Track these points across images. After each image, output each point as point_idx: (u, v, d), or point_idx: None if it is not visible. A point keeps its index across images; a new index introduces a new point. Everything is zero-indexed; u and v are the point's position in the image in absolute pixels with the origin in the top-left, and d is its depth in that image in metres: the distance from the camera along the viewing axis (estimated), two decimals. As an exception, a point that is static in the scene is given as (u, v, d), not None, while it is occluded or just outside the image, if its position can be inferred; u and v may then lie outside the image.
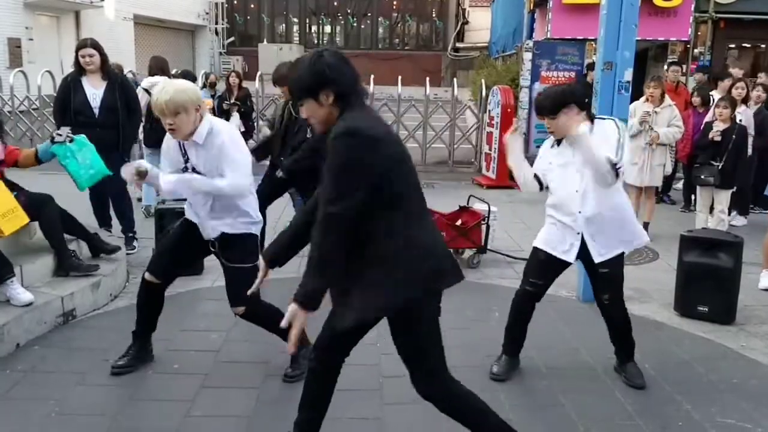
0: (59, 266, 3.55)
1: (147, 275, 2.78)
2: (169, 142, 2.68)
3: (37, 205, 3.44)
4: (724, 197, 5.12)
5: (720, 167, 4.96)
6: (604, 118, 2.81)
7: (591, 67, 6.95)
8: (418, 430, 2.49)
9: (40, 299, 3.22)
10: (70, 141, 3.42)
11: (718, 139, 4.96)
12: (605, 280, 2.77)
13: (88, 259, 3.79)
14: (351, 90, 1.80)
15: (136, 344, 2.88)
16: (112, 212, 4.73)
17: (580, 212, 2.69)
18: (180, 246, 2.78)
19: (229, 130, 2.63)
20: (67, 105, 4.31)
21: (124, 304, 3.63)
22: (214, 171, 2.56)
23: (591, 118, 2.71)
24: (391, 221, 1.81)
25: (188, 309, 3.56)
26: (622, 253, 2.79)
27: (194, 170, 2.61)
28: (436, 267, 1.88)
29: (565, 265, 2.82)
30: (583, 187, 2.68)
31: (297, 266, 4.77)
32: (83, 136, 3.57)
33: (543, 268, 2.83)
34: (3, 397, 2.62)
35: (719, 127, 5.00)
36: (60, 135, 3.41)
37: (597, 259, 2.73)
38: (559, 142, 2.75)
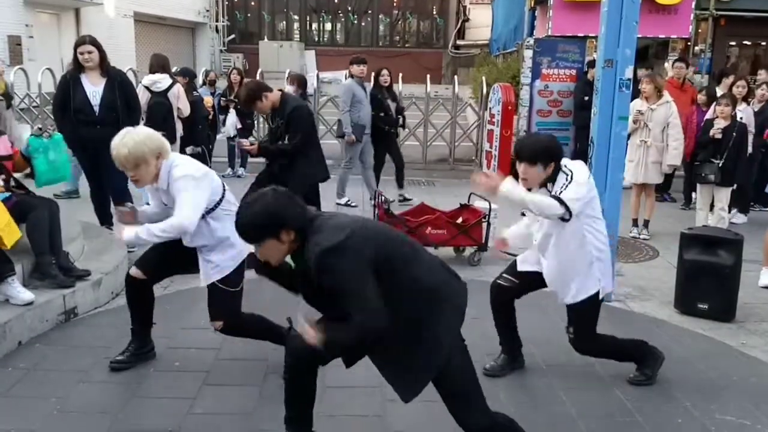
0: (34, 269, 3.38)
1: (132, 269, 2.76)
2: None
3: (26, 209, 3.33)
4: (724, 195, 5.12)
5: (720, 165, 4.97)
6: (565, 167, 2.63)
7: (592, 64, 6.94)
8: (419, 428, 2.50)
9: (41, 297, 3.23)
10: (48, 137, 3.55)
11: (719, 136, 4.95)
12: (570, 314, 2.76)
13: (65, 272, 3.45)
14: (305, 222, 1.90)
15: (135, 342, 2.88)
16: (113, 210, 4.73)
17: (543, 257, 2.76)
18: (173, 248, 2.70)
19: (186, 168, 2.58)
20: (67, 103, 4.31)
21: (125, 302, 3.63)
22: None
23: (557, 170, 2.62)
24: (394, 289, 1.87)
25: (189, 307, 3.56)
26: (592, 295, 2.68)
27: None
28: (448, 307, 1.94)
29: (538, 282, 2.82)
30: (540, 237, 2.72)
31: (298, 264, 4.74)
32: (61, 136, 3.69)
33: (516, 272, 2.89)
34: (5, 394, 2.63)
35: (720, 124, 5.00)
36: (40, 129, 3.60)
37: (563, 301, 2.76)
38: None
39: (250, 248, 2.69)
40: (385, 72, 6.30)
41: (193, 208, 2.52)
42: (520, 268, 2.87)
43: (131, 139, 2.49)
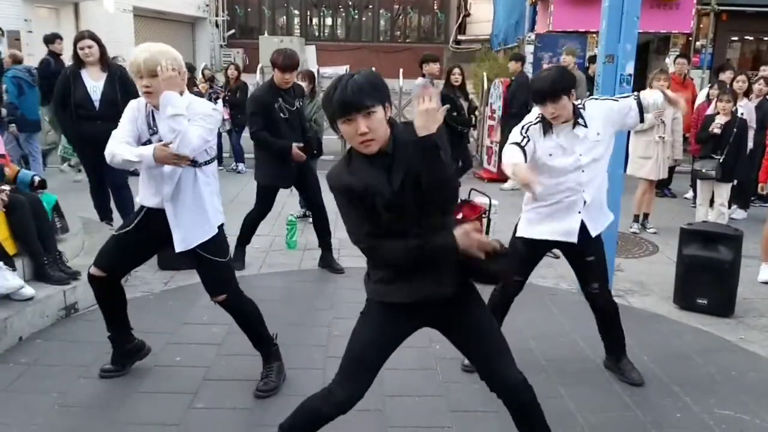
0: (36, 272, 3.34)
1: (92, 268, 2.60)
2: (137, 111, 2.46)
3: (12, 206, 3.28)
4: (724, 190, 5.12)
5: (721, 160, 4.97)
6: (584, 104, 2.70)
7: (593, 59, 6.92)
8: (418, 421, 2.50)
9: (42, 293, 3.23)
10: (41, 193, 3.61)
11: (718, 132, 4.96)
12: (593, 267, 2.75)
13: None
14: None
15: (116, 349, 2.76)
16: (112, 205, 4.74)
17: (583, 191, 2.63)
18: (131, 239, 2.57)
19: (206, 104, 2.52)
20: (68, 99, 4.30)
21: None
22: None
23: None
24: None
25: (190, 302, 3.57)
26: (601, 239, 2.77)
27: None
28: None
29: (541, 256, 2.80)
30: (582, 167, 2.62)
31: (298, 261, 4.79)
32: (53, 197, 3.68)
33: (522, 267, 2.80)
34: (6, 390, 2.64)
35: (720, 120, 4.99)
36: (42, 184, 3.68)
37: (593, 233, 2.69)
38: (546, 130, 2.61)
39: (222, 218, 2.59)
40: (456, 71, 6.21)
41: (202, 135, 2.38)
42: (531, 235, 2.72)
43: (153, 47, 2.39)
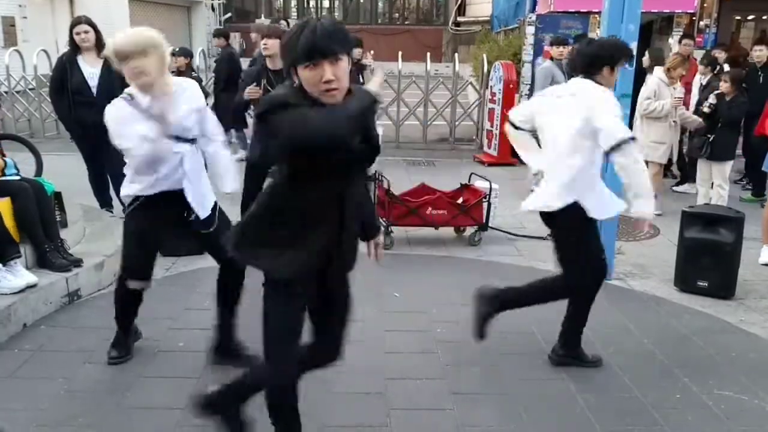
0: (39, 259, 3.35)
1: (134, 283, 2.62)
2: (122, 111, 2.42)
3: (15, 193, 3.24)
4: (720, 171, 5.12)
5: (711, 139, 4.99)
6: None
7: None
8: (420, 404, 2.53)
9: (44, 280, 3.25)
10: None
11: (708, 111, 4.98)
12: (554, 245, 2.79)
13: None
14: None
15: (125, 334, 2.81)
16: (112, 193, 4.73)
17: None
18: (149, 241, 2.64)
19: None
20: (65, 85, 4.27)
21: (128, 283, 3.66)
22: (190, 125, 2.52)
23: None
24: None
25: (192, 288, 3.59)
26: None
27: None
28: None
29: None
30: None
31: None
32: (52, 186, 3.61)
33: None
34: (12, 376, 2.67)
35: (712, 99, 5.02)
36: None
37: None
38: None
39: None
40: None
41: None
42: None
43: (133, 30, 2.42)
